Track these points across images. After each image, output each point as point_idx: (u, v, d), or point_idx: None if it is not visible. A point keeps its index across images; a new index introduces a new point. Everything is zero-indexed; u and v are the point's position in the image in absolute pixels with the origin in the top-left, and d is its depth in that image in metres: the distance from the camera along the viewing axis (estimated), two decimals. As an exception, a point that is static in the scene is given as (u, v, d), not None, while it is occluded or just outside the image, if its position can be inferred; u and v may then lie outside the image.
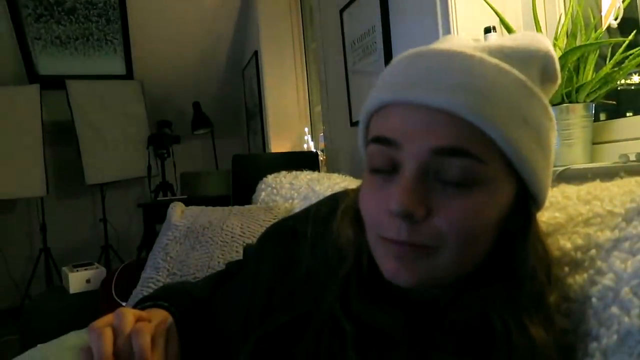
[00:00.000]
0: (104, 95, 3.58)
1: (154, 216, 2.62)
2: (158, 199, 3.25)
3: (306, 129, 2.95)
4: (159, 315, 0.60)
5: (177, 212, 1.36)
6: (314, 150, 2.67)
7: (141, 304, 0.65)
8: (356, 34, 2.06)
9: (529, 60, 0.48)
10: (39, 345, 0.96)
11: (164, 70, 3.73)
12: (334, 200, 0.65)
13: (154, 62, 3.68)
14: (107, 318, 0.55)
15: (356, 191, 0.54)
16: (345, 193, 0.64)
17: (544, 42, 0.49)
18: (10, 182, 3.26)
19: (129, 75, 3.79)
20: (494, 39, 0.55)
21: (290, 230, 0.64)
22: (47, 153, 3.42)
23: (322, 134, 2.63)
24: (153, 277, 1.19)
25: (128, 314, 0.55)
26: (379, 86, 0.49)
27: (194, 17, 3.46)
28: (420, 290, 0.49)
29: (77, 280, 1.56)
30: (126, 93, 3.66)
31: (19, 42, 3.39)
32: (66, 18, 3.49)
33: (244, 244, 1.20)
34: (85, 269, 1.61)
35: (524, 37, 0.50)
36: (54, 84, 3.47)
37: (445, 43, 0.51)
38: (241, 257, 0.80)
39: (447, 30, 1.33)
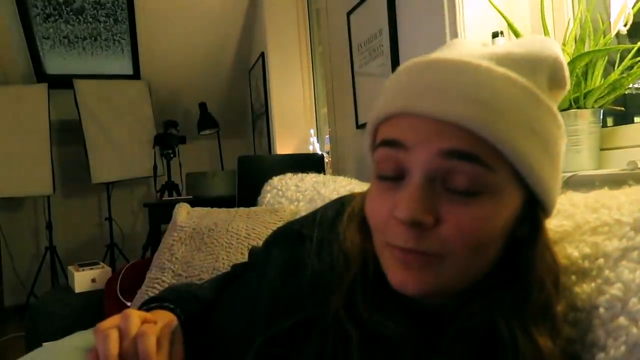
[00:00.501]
0: (111, 95, 3.60)
1: (159, 216, 2.63)
2: (163, 198, 3.26)
3: (312, 131, 2.96)
4: (165, 317, 0.60)
5: (183, 213, 1.36)
6: (320, 153, 2.67)
7: (147, 305, 0.65)
8: (363, 37, 2.06)
9: (538, 66, 0.47)
10: (44, 344, 0.97)
11: (171, 70, 3.74)
12: (340, 204, 0.65)
13: (161, 63, 3.70)
14: (113, 319, 0.56)
15: (363, 195, 0.54)
16: (351, 197, 0.64)
17: (553, 47, 0.49)
18: (17, 180, 3.28)
19: (136, 75, 3.80)
20: (502, 43, 0.55)
21: (296, 234, 0.64)
22: (54, 152, 3.44)
23: (327, 136, 2.63)
24: (158, 278, 1.20)
25: (134, 316, 0.55)
26: (386, 96, 0.49)
27: (201, 18, 3.47)
28: (427, 298, 0.49)
29: (83, 279, 1.57)
30: (133, 93, 3.68)
31: (27, 41, 3.41)
32: (74, 18, 3.52)
33: (249, 246, 1.20)
34: (91, 269, 1.62)
35: (532, 42, 0.49)
36: (62, 83, 3.49)
37: (452, 49, 0.51)
38: (246, 259, 0.81)
39: (455, 34, 1.32)
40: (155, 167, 3.43)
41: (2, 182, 3.25)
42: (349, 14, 2.18)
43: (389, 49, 1.80)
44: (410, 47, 1.69)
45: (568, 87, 0.51)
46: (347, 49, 2.20)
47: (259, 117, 3.61)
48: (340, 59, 2.30)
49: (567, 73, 0.49)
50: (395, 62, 1.78)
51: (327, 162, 2.52)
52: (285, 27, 3.14)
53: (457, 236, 0.43)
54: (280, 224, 0.90)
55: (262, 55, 3.29)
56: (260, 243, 0.72)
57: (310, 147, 2.85)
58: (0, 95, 3.32)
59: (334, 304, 0.51)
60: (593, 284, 0.49)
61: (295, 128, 3.10)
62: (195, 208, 1.40)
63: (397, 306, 0.49)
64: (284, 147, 3.08)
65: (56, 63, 3.68)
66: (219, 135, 3.86)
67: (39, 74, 3.62)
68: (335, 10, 2.37)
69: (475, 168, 0.43)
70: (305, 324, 0.52)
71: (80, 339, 0.87)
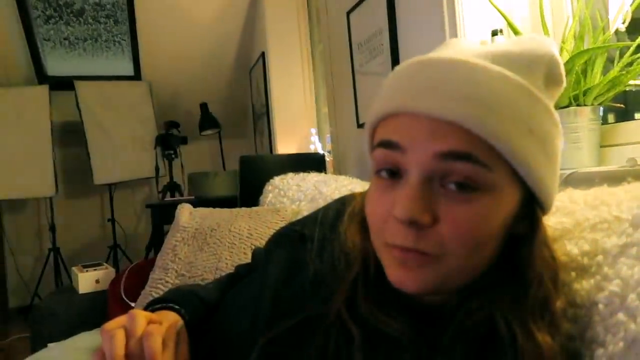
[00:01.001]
0: (112, 96, 3.61)
1: (161, 217, 2.64)
2: (166, 199, 3.27)
3: (313, 130, 2.95)
4: (170, 318, 0.61)
5: (185, 214, 1.37)
6: (321, 152, 2.67)
7: (152, 306, 0.66)
8: (363, 36, 2.06)
9: (534, 65, 0.47)
10: (50, 344, 0.98)
11: (172, 71, 3.75)
12: (341, 204, 0.65)
13: (162, 63, 3.70)
14: (119, 320, 0.56)
15: (363, 195, 0.55)
16: (352, 196, 0.65)
17: (549, 46, 0.49)
18: (19, 182, 3.29)
19: (137, 76, 3.81)
20: (498, 43, 0.55)
21: (298, 235, 0.64)
22: (56, 153, 3.44)
23: (329, 135, 2.64)
24: (162, 278, 1.21)
25: (140, 317, 0.56)
26: (383, 96, 0.50)
27: (201, 18, 3.48)
28: (427, 295, 0.50)
29: (87, 280, 1.58)
30: (134, 94, 3.68)
31: (28, 43, 3.42)
32: (75, 19, 3.52)
33: (252, 246, 1.20)
34: (95, 269, 1.63)
35: (528, 41, 0.49)
36: (63, 85, 3.50)
37: (449, 49, 0.52)
38: (249, 259, 0.81)
39: (454, 33, 1.32)
40: (157, 168, 3.44)
41: (5, 184, 3.26)
42: (348, 12, 2.18)
43: (389, 48, 1.80)
44: (411, 46, 1.69)
45: (564, 85, 0.51)
46: (348, 47, 2.20)
47: (260, 117, 3.62)
48: (341, 57, 2.31)
49: (562, 71, 0.50)
50: (395, 61, 1.78)
51: (328, 162, 2.53)
52: (285, 25, 3.14)
53: (455, 235, 0.44)
54: (282, 224, 0.90)
55: (263, 54, 3.29)
56: (263, 243, 0.73)
57: (312, 147, 2.85)
58: (1, 97, 3.34)
59: (335, 303, 0.52)
60: (592, 281, 0.50)
61: (296, 127, 3.10)
62: (198, 208, 1.41)
63: (398, 304, 0.50)
64: (285, 146, 3.08)
65: (57, 65, 3.68)
66: (220, 135, 3.86)
67: (40, 76, 3.63)
68: (334, 9, 2.38)
69: (472, 167, 0.43)
70: (307, 323, 0.53)
71: (86, 340, 0.88)
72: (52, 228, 3.50)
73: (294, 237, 0.64)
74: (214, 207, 1.43)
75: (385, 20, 1.81)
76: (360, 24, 2.11)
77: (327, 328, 0.51)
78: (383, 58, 1.87)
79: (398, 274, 0.46)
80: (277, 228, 0.73)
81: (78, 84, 3.52)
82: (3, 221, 3.63)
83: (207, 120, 3.73)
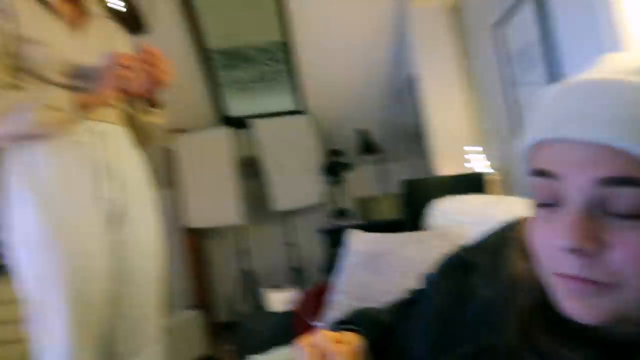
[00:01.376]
0: (281, 131, 3.96)
1: (333, 240, 2.82)
2: (335, 224, 3.48)
3: (471, 149, 2.83)
4: (352, 339, 0.66)
5: (355, 239, 1.47)
6: (481, 171, 2.56)
7: (335, 326, 0.74)
8: (514, 49, 1.98)
9: None
10: (251, 356, 1.14)
11: (331, 102, 3.95)
12: (506, 229, 0.65)
13: (322, 96, 3.93)
14: (310, 338, 0.65)
15: (527, 220, 0.53)
16: (517, 222, 0.64)
17: None
18: (214, 212, 3.80)
19: (301, 110, 4.12)
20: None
21: (462, 262, 0.66)
22: (241, 185, 3.86)
23: (492, 153, 2.54)
24: (338, 301, 1.32)
25: (327, 336, 0.64)
26: (535, 122, 0.49)
27: (352, 50, 3.61)
28: (608, 326, 0.47)
29: (277, 300, 1.78)
30: (300, 127, 3.99)
31: (210, 89, 3.96)
32: (246, 65, 3.94)
33: (422, 271, 1.24)
34: (282, 291, 1.83)
35: None
36: (240, 123, 3.98)
37: (603, 66, 0.49)
38: (419, 284, 0.85)
39: (613, 39, 1.19)
40: (326, 195, 3.69)
41: (203, 215, 3.81)
42: (495, 26, 2.12)
43: (547, 59, 1.70)
44: (567, 54, 1.57)
45: None
46: (498, 61, 2.13)
47: (418, 138, 3.63)
48: (496, 73, 2.24)
49: None
50: (551, 72, 1.68)
51: (493, 181, 2.43)
52: (435, 46, 3.07)
53: (628, 262, 0.41)
54: (448, 248, 0.92)
55: (413, 76, 3.29)
56: (432, 268, 0.75)
57: (471, 166, 2.74)
58: (193, 140, 3.92)
59: (508, 333, 0.52)
60: None
61: (454, 148, 2.96)
62: (367, 234, 1.49)
63: (579, 336, 0.48)
64: (444, 167, 2.97)
65: (234, 106, 4.16)
66: (380, 159, 3.97)
67: (222, 118, 4.15)
68: (481, 24, 2.32)
69: (638, 191, 0.41)
70: (479, 352, 0.55)
71: (281, 355, 1.02)
72: (243, 252, 3.96)
73: (461, 264, 0.66)
74: (380, 230, 1.50)
75: (537, 31, 1.72)
76: (509, 37, 2.03)
77: (503, 358, 0.52)
78: (538, 69, 1.78)
79: (570, 304, 0.45)
80: (444, 252, 0.74)
81: (253, 122, 3.96)
82: (208, 247, 4.22)
83: (367, 146, 3.86)
